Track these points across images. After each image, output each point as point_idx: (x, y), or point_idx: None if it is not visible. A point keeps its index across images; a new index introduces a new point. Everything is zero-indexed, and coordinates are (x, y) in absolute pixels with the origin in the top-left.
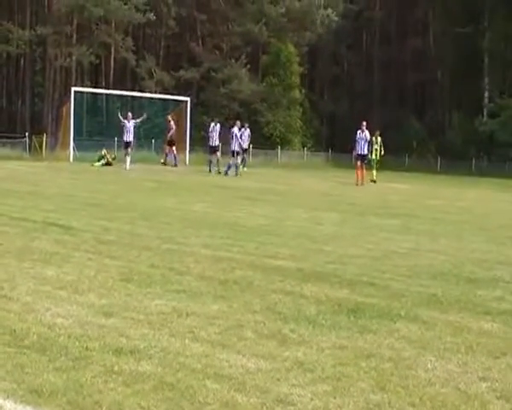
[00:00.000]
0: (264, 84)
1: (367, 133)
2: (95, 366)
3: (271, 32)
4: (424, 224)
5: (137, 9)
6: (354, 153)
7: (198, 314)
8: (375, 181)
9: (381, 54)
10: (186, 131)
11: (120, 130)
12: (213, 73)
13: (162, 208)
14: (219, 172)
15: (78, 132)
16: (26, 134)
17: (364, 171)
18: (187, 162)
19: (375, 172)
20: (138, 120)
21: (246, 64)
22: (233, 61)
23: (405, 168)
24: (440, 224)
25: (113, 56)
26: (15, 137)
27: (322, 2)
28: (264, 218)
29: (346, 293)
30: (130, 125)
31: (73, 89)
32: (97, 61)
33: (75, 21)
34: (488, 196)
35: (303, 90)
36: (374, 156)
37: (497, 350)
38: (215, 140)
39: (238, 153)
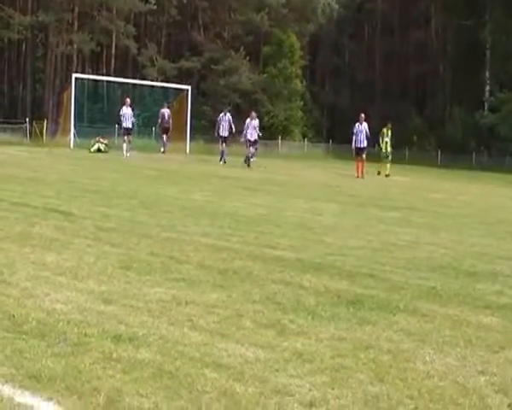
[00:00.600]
0: (265, 74)
1: (365, 125)
2: (93, 352)
3: (273, 21)
4: (424, 217)
5: None
6: (353, 146)
7: (197, 303)
8: (388, 175)
9: (382, 45)
10: (187, 120)
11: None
12: (214, 64)
13: (162, 197)
14: (224, 162)
15: (78, 119)
16: (27, 120)
17: (365, 163)
18: (187, 151)
19: (388, 165)
20: (134, 119)
21: (246, 55)
22: (234, 51)
23: (406, 161)
24: (440, 217)
25: (114, 44)
26: (16, 123)
27: None
28: (264, 208)
29: (345, 284)
30: (128, 111)
31: (74, 75)
32: (98, 49)
33: (76, 8)
34: (488, 190)
35: (304, 81)
36: (385, 149)
37: (496, 344)
38: (225, 130)
39: (254, 142)
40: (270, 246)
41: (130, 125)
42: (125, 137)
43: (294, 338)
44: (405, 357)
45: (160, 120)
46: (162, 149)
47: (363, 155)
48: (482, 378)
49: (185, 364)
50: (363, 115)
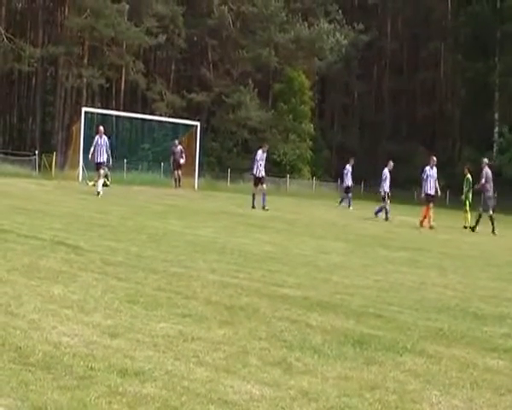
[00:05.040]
0: (273, 111)
1: (435, 170)
2: (99, 386)
3: (282, 59)
4: (432, 258)
5: (149, 32)
6: (423, 192)
7: (203, 339)
8: (468, 227)
9: (391, 85)
10: (195, 156)
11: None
12: (224, 98)
13: (170, 232)
14: (264, 208)
15: (87, 152)
16: (36, 152)
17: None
18: (196, 187)
19: (469, 215)
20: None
21: (256, 91)
22: (243, 87)
23: (414, 201)
24: (449, 258)
25: (123, 78)
26: (25, 155)
27: (332, 28)
28: (272, 245)
29: (352, 324)
30: (102, 142)
31: (84, 109)
32: (107, 86)
33: (87, 43)
34: (496, 232)
35: (313, 119)
36: (465, 198)
37: (503, 387)
38: (260, 170)
39: (387, 195)
40: (277, 284)
41: (103, 159)
42: (100, 172)
43: (300, 376)
44: (412, 398)
45: (172, 157)
46: (175, 184)
47: (433, 203)
48: None
49: (191, 400)
50: (434, 158)
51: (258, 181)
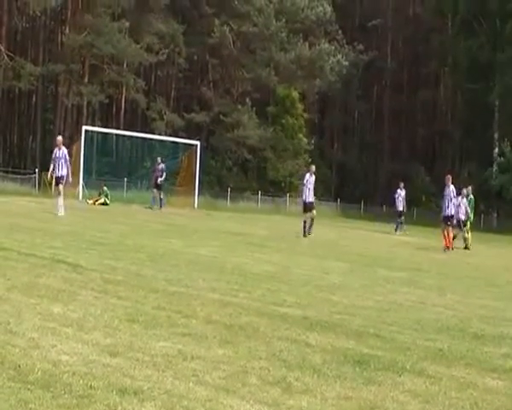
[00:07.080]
0: (271, 129)
1: (453, 188)
2: (98, 404)
3: (281, 78)
4: (432, 278)
5: (150, 51)
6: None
7: (203, 358)
8: (468, 247)
9: (391, 105)
10: (195, 174)
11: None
12: (223, 118)
13: (170, 251)
14: (308, 234)
15: (87, 171)
16: (36, 170)
17: (452, 234)
18: (195, 206)
19: (470, 236)
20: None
21: (255, 110)
22: (243, 106)
23: (414, 221)
24: (448, 279)
25: (124, 97)
26: (25, 173)
27: (333, 49)
28: (272, 264)
29: (351, 344)
30: (61, 154)
31: (84, 128)
32: (107, 101)
33: (87, 61)
34: (496, 252)
35: (313, 138)
36: (467, 218)
37: (503, 408)
38: (307, 195)
39: (462, 223)
40: (276, 303)
41: (62, 173)
42: (59, 187)
43: (300, 396)
44: None
45: (153, 175)
46: (159, 205)
47: (452, 225)
48: None
49: None
50: (450, 177)
51: (307, 207)
